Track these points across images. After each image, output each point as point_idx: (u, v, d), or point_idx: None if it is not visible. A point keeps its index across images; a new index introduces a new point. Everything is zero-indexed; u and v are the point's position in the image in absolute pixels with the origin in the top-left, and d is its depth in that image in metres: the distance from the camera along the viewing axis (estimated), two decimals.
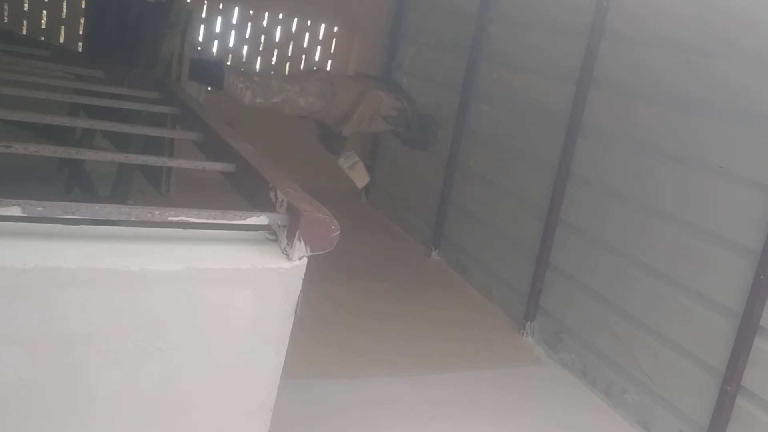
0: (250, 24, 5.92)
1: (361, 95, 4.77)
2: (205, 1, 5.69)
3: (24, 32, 5.17)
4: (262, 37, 5.98)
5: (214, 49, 5.81)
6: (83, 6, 4.91)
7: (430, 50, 5.44)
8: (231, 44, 5.90)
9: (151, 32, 3.24)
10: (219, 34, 5.83)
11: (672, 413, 3.14)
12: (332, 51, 6.22)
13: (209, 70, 4.18)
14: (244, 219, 1.57)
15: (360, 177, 4.87)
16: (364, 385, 3.18)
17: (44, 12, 5.38)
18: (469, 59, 4.77)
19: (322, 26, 6.13)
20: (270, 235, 1.63)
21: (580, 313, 3.70)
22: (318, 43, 6.17)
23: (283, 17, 5.98)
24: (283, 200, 1.61)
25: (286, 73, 5.99)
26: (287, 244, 1.55)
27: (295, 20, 6.01)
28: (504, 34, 4.58)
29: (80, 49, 4.78)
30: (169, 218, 1.50)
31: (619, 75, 3.61)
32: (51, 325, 1.33)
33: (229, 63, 5.55)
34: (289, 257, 1.54)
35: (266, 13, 5.91)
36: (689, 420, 3.06)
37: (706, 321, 3.03)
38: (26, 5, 5.29)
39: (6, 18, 5.23)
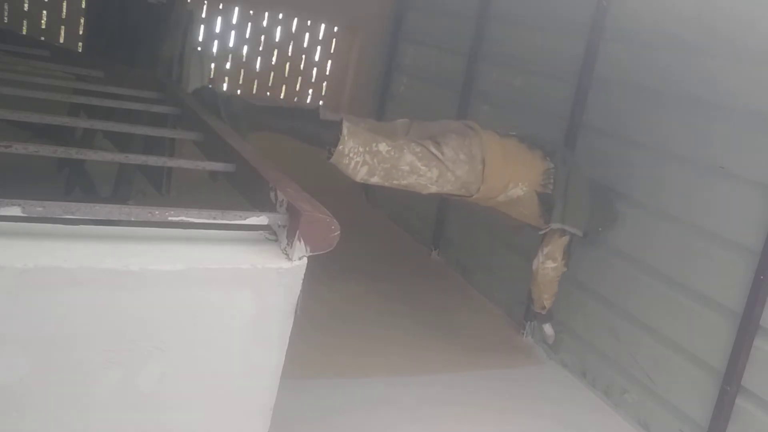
0: (250, 24, 5.92)
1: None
2: (205, 1, 5.69)
3: (24, 32, 5.17)
4: (262, 37, 5.98)
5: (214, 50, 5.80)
6: (83, 6, 4.91)
7: (430, 50, 5.43)
8: (231, 44, 5.91)
9: (152, 32, 3.23)
10: (219, 34, 5.83)
11: (672, 413, 3.14)
12: (332, 51, 6.22)
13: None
14: (244, 219, 1.57)
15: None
16: (364, 385, 3.18)
17: (44, 12, 5.38)
18: (469, 59, 4.77)
19: (322, 26, 6.13)
20: (270, 235, 1.63)
21: (580, 313, 3.70)
22: (318, 43, 6.17)
23: (283, 17, 5.98)
24: (283, 200, 1.61)
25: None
26: (287, 244, 1.55)
27: (295, 20, 6.01)
28: (504, 34, 4.58)
29: (80, 49, 4.78)
30: (169, 218, 1.50)
31: (619, 75, 3.61)
32: (51, 325, 1.33)
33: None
34: (289, 257, 1.53)
35: (266, 13, 5.91)
36: (689, 420, 3.06)
37: (706, 321, 3.03)
38: (26, 5, 5.29)
39: (6, 18, 5.23)
